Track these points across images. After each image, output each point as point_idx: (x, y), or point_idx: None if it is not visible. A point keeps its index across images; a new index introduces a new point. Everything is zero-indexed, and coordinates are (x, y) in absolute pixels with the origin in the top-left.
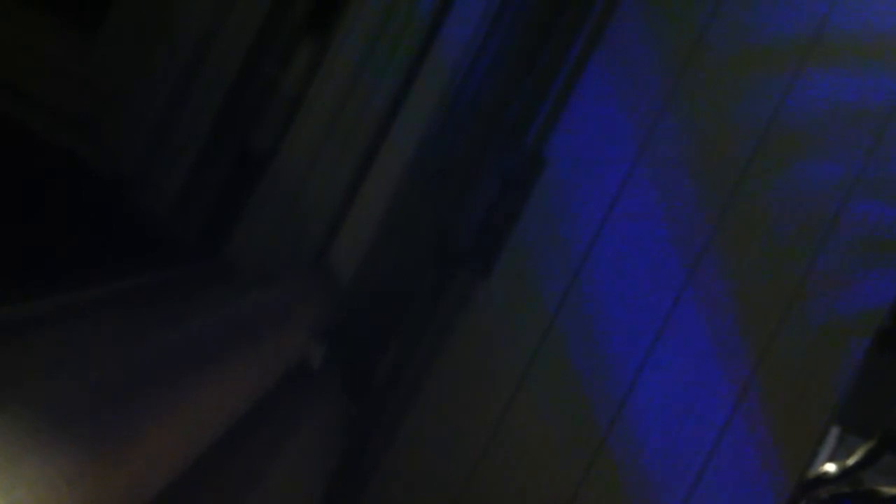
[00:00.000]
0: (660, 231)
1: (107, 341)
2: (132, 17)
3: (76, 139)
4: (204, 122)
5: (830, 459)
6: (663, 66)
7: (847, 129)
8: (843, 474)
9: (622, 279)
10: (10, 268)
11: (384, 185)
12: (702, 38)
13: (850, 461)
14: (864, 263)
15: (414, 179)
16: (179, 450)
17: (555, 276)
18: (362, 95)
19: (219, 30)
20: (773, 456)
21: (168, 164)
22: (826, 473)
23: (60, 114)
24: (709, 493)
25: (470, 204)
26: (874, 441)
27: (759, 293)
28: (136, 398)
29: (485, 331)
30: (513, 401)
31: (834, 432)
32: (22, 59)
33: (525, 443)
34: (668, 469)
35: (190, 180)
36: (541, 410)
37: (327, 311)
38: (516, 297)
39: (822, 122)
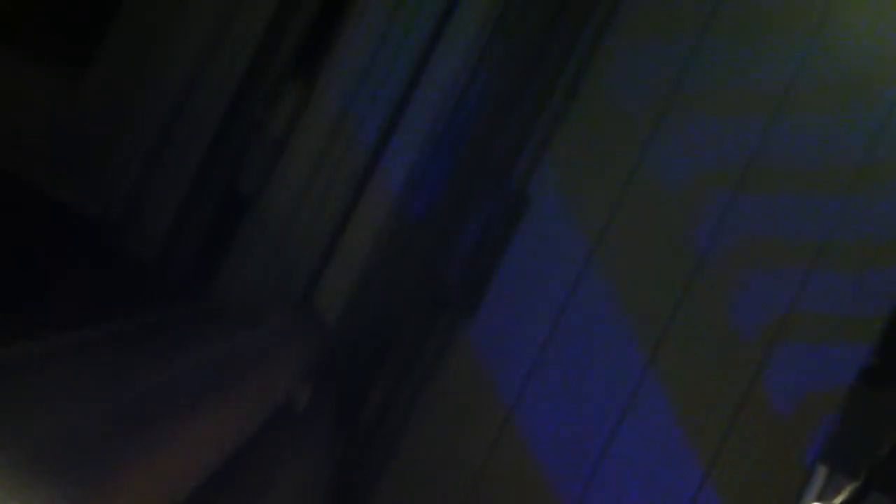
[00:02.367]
0: (643, 271)
1: (91, 384)
2: (118, 60)
3: (62, 181)
4: (190, 164)
5: (818, 499)
6: (645, 105)
7: (830, 162)
8: None
9: (607, 317)
10: None
11: (370, 224)
12: (681, 80)
13: (837, 501)
14: (848, 300)
15: (400, 219)
16: (164, 493)
17: (540, 314)
18: (348, 136)
19: (205, 72)
20: (760, 496)
21: (154, 205)
22: None
23: (45, 156)
24: None
25: (456, 242)
26: (860, 480)
27: (742, 333)
28: (119, 442)
29: (471, 369)
30: (499, 439)
31: (821, 472)
32: (5, 102)
33: (511, 482)
34: None
35: (176, 222)
36: (526, 449)
37: (314, 351)
38: (502, 335)
39: (806, 157)
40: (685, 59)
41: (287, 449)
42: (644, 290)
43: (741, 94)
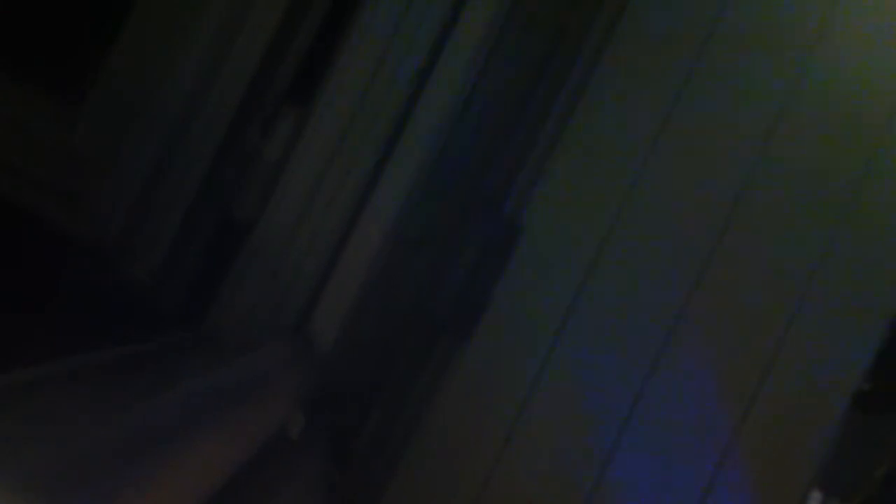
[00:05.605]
0: (636, 299)
1: (87, 411)
2: (116, 88)
3: (60, 208)
4: (187, 191)
5: None
6: (636, 136)
7: (818, 195)
8: None
9: (599, 345)
10: None
11: (365, 252)
12: (673, 111)
13: None
14: (840, 328)
15: (394, 246)
16: None
17: (534, 341)
18: (343, 164)
19: (202, 99)
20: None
21: (151, 232)
22: None
23: (44, 183)
24: None
25: (449, 271)
26: None
27: (735, 360)
28: (113, 469)
29: (466, 396)
30: (495, 466)
31: (816, 497)
32: (5, 129)
33: None
34: None
35: (173, 248)
36: (524, 474)
37: (308, 379)
38: (496, 362)
39: (794, 190)
40: (677, 90)
41: (281, 475)
42: (635, 315)
43: (732, 124)
